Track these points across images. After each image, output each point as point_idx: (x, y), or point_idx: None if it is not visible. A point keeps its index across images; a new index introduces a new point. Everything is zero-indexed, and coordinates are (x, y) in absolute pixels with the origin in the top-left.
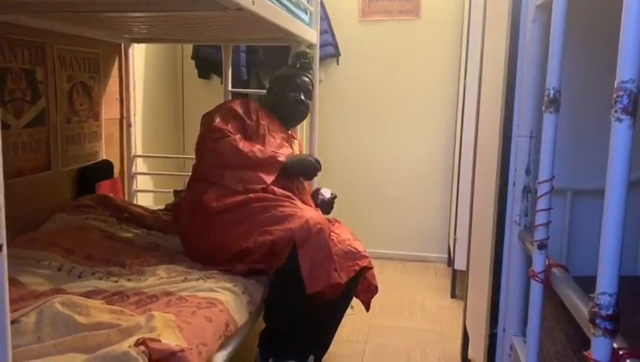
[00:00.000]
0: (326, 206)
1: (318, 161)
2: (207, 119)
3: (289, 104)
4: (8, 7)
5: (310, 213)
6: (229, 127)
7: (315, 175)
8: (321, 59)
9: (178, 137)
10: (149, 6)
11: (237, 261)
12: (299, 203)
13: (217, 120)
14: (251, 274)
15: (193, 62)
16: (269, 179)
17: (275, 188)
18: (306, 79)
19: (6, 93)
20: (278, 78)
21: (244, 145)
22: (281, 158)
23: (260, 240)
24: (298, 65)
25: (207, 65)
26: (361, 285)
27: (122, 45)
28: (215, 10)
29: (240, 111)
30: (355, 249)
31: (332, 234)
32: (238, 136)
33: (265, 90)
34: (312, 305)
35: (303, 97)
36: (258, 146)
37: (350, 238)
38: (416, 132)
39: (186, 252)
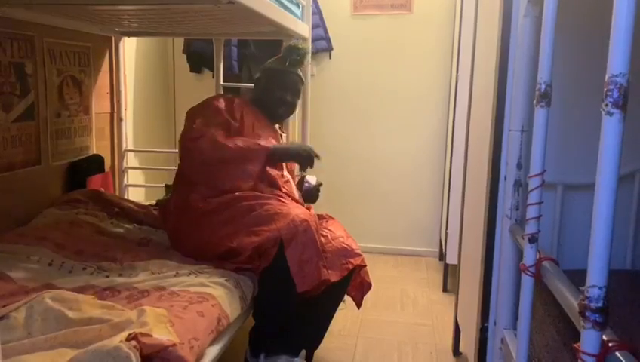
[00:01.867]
0: (311, 194)
1: (309, 148)
2: (189, 116)
3: (273, 102)
4: None
5: (296, 211)
6: (211, 128)
7: (311, 161)
8: (314, 53)
9: (169, 132)
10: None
11: (224, 260)
12: (286, 199)
13: (198, 121)
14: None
15: (184, 56)
16: (255, 168)
17: (262, 187)
18: (296, 77)
19: None
20: (266, 71)
21: (223, 139)
22: (264, 143)
23: (246, 241)
24: (288, 62)
25: (199, 59)
26: (353, 282)
27: (113, 39)
28: (206, 4)
29: (224, 110)
30: (349, 246)
31: (325, 230)
32: (219, 133)
33: None
34: (301, 302)
35: (288, 97)
36: (241, 138)
37: (343, 235)
38: (408, 126)
39: (174, 249)
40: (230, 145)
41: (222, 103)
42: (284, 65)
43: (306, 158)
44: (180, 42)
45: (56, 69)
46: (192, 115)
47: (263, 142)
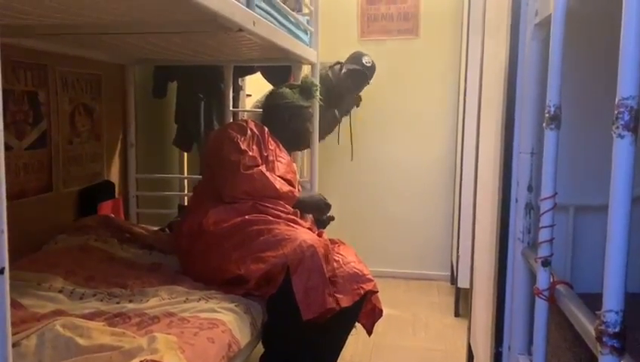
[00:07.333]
0: (322, 223)
1: (326, 200)
2: (229, 141)
3: (304, 136)
4: (13, 31)
5: (304, 236)
6: (257, 155)
7: (325, 213)
8: None
9: (179, 158)
10: (151, 27)
11: (233, 286)
12: (296, 223)
13: (244, 145)
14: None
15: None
16: (288, 209)
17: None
18: (312, 110)
19: (8, 115)
20: (289, 108)
21: (270, 177)
22: (297, 194)
23: (253, 268)
24: (306, 96)
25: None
26: (364, 308)
27: (123, 66)
28: (217, 32)
29: (259, 136)
30: (360, 271)
31: (336, 255)
32: (264, 167)
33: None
34: (311, 328)
35: (312, 128)
36: (278, 179)
37: (355, 260)
38: (418, 149)
39: (185, 273)
40: (276, 185)
41: (256, 130)
42: (303, 99)
43: (322, 210)
44: None
45: (68, 97)
46: (234, 139)
47: (297, 193)
